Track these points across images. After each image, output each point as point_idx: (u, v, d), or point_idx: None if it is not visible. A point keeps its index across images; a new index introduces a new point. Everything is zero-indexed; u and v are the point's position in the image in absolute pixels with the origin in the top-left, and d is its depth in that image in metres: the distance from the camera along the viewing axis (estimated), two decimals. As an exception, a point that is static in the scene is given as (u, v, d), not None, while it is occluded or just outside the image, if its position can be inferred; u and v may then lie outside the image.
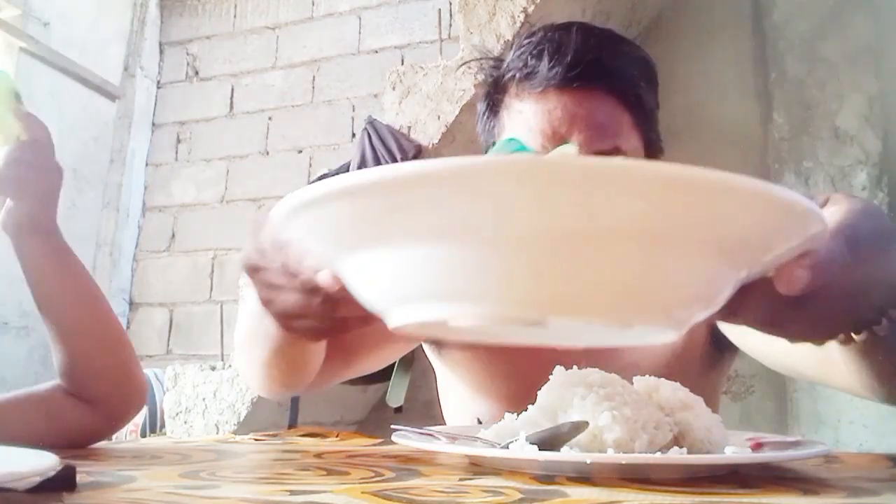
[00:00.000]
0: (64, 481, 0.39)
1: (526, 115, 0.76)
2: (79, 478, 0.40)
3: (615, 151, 0.74)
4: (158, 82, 2.97)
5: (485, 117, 0.84)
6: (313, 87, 2.74)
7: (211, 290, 2.68)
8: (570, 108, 0.74)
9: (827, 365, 0.55)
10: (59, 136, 2.58)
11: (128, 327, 2.74)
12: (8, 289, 2.38)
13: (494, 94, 0.81)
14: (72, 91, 2.67)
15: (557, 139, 0.74)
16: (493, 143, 0.81)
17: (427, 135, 2.26)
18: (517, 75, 0.77)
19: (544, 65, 0.75)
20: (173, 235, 2.80)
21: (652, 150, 0.80)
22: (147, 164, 2.90)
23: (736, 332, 0.69)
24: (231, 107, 2.85)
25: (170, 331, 2.70)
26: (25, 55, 2.49)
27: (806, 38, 2.46)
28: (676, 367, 0.72)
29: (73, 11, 2.68)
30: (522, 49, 0.78)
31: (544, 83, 0.74)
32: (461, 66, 2.17)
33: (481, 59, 0.83)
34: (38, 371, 2.45)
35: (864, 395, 0.54)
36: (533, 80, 0.76)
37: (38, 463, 0.38)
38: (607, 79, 0.75)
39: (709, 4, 2.65)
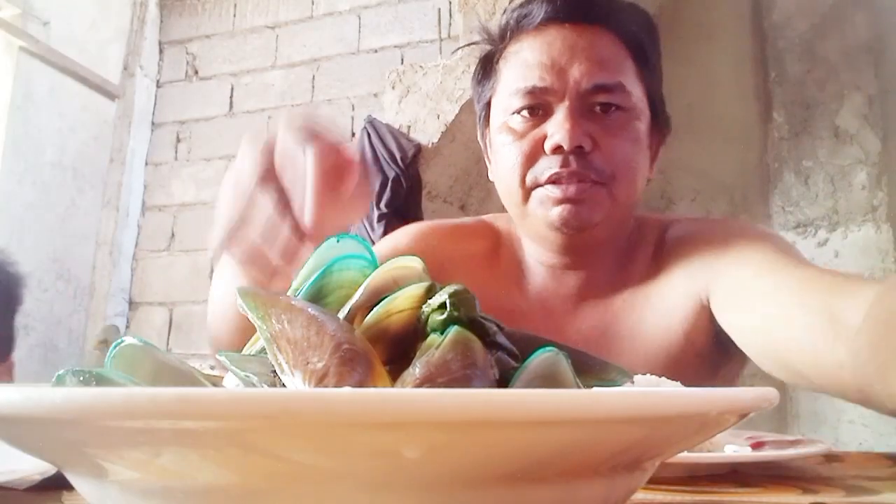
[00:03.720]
0: (63, 480, 0.39)
1: (523, 54, 0.73)
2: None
3: (619, 89, 0.71)
4: (158, 81, 2.97)
5: (479, 77, 0.80)
6: (313, 87, 2.74)
7: (208, 289, 2.68)
8: (569, 39, 0.72)
9: (827, 367, 0.52)
10: (58, 135, 2.58)
11: (127, 326, 2.74)
12: (8, 288, 2.38)
13: (491, 53, 0.79)
14: (72, 90, 2.66)
15: (556, 71, 0.71)
16: (489, 102, 0.78)
17: (427, 134, 2.25)
18: (513, 21, 0.75)
19: (541, 2, 0.73)
20: (173, 235, 2.80)
21: (657, 115, 0.77)
22: (147, 164, 2.90)
23: (738, 335, 0.66)
24: (231, 106, 2.85)
25: (169, 330, 2.70)
26: (25, 54, 2.49)
27: (806, 38, 2.46)
28: (673, 370, 0.69)
29: (73, 11, 2.68)
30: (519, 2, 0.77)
31: (542, 17, 0.72)
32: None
33: (480, 42, 0.81)
34: (38, 370, 2.45)
35: (861, 401, 0.51)
36: (530, 18, 0.74)
37: (37, 462, 0.38)
38: (607, 18, 0.73)
39: (709, 4, 2.65)
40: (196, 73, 2.93)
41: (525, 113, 0.72)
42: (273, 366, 0.28)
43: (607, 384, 0.29)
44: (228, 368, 0.27)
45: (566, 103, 0.70)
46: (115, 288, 2.72)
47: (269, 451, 0.19)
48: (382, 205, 2.01)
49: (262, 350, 0.32)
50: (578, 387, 0.28)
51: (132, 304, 2.77)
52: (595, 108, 0.71)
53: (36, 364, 2.47)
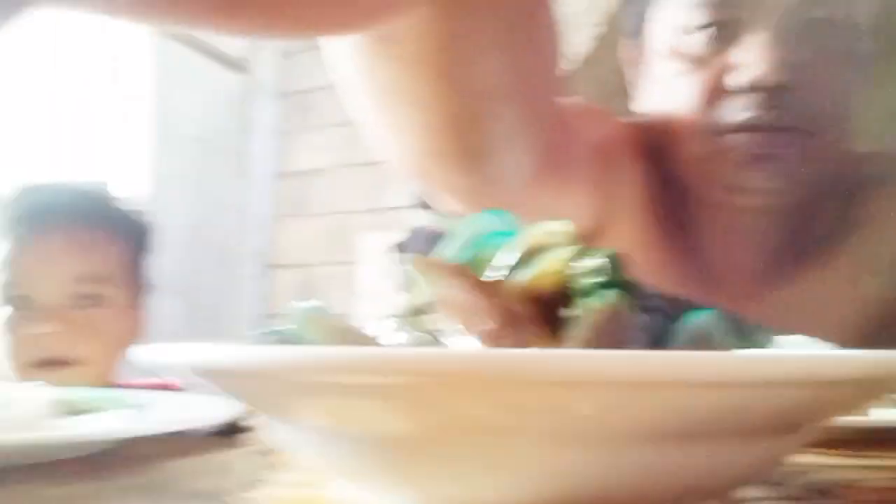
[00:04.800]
0: (236, 427, 0.44)
1: None
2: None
3: None
4: (283, 53, 3.09)
5: None
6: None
7: (339, 251, 2.80)
8: None
9: None
10: (196, 109, 2.72)
11: (265, 289, 2.92)
12: (158, 254, 2.59)
13: None
14: (205, 67, 2.83)
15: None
16: (641, 25, 0.60)
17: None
18: None
19: None
20: (302, 200, 2.94)
21: None
22: (276, 133, 3.04)
23: None
24: (351, 73, 2.92)
25: (303, 291, 2.85)
26: (163, 36, 2.66)
27: None
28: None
29: (204, -10, 2.82)
30: None
31: None
32: None
33: None
34: (187, 329, 2.67)
35: None
36: None
37: (216, 410, 0.42)
38: None
39: None
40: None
41: (706, 32, 0.54)
42: (438, 327, 0.30)
43: (765, 346, 0.29)
44: (399, 329, 0.29)
45: (771, 20, 0.51)
46: (252, 252, 2.90)
47: (447, 406, 0.21)
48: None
49: (421, 310, 0.34)
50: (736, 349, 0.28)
51: (268, 268, 2.95)
52: (807, 26, 0.52)
53: (185, 324, 2.69)
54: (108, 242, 0.83)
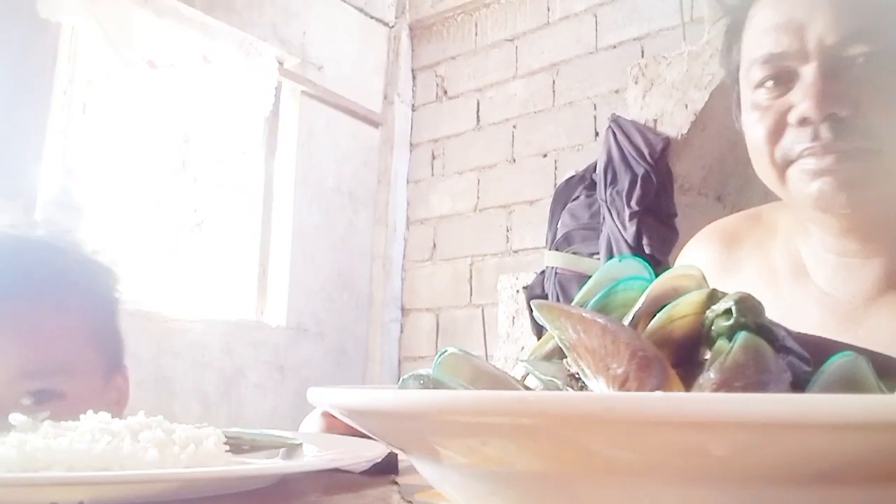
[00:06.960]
0: (389, 466, 0.47)
1: (758, 17, 0.64)
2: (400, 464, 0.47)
3: (878, 34, 0.58)
4: (413, 106, 3.23)
5: (724, 54, 0.72)
6: (554, 91, 2.79)
7: (471, 294, 2.85)
8: None
9: None
10: (336, 163, 2.91)
11: (401, 332, 3.02)
12: (306, 300, 2.76)
13: (736, 24, 0.70)
14: (343, 123, 3.01)
15: (793, 30, 0.60)
16: (738, 80, 0.69)
17: (675, 126, 2.18)
18: None
19: None
20: (434, 245, 3.03)
21: None
22: (408, 182, 3.17)
23: None
24: (478, 120, 3.00)
25: (437, 333, 2.91)
26: (306, 97, 2.87)
27: None
28: None
29: (341, 53, 3.03)
30: None
31: None
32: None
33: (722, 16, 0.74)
34: (332, 372, 2.80)
35: None
36: None
37: (370, 450, 0.45)
38: None
39: None
40: (445, 93, 3.14)
41: (770, 84, 0.63)
42: (568, 370, 0.31)
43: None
44: (530, 373, 0.31)
45: (813, 64, 0.59)
46: (390, 297, 3.01)
47: (583, 446, 0.22)
48: (633, 203, 1.99)
49: (552, 354, 0.36)
50: (882, 391, 0.27)
51: (404, 311, 3.04)
52: (857, 60, 0.58)
53: (330, 366, 2.82)
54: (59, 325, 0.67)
